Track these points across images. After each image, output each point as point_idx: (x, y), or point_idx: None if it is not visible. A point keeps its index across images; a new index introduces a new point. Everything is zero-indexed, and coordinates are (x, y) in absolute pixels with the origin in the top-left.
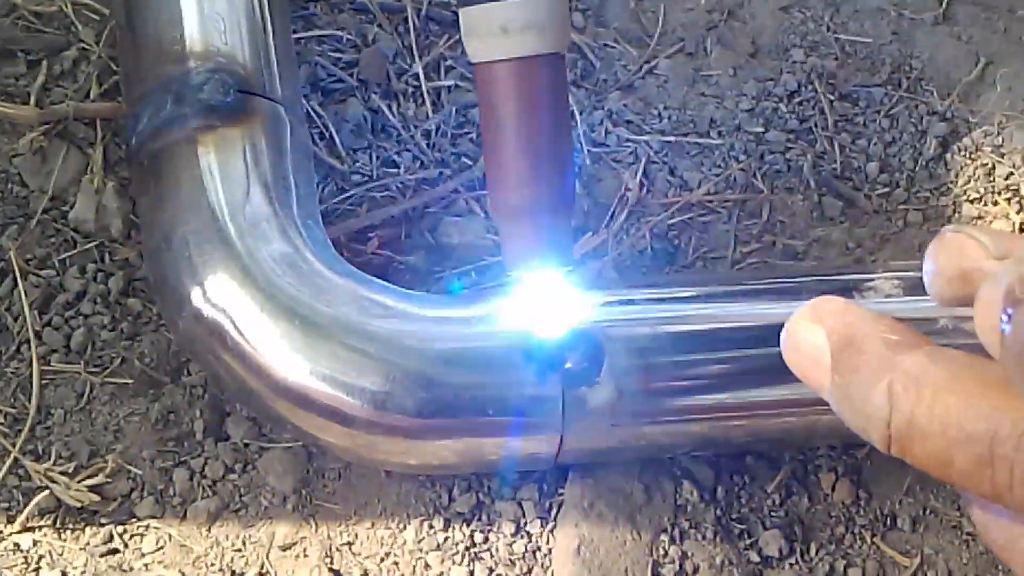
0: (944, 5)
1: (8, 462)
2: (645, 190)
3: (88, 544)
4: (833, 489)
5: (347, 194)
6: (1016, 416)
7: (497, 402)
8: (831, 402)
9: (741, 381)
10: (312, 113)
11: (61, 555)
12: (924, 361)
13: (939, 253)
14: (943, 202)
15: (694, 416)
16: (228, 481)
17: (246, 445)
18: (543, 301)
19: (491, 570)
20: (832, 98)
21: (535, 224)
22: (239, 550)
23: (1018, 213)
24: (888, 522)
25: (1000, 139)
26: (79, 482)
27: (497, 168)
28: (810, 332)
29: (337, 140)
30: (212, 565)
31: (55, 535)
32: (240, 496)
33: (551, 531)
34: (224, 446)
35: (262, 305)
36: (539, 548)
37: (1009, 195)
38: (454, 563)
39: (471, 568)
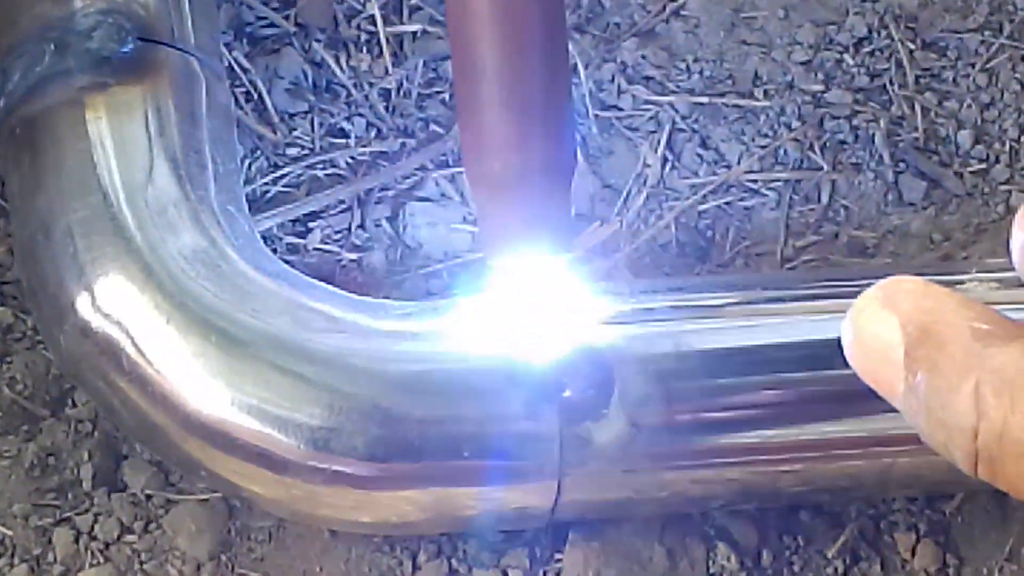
0: None
1: None
2: (669, 166)
3: None
4: (913, 553)
5: (281, 172)
6: None
7: (474, 441)
8: (904, 411)
9: (792, 414)
10: (236, 67)
11: None
12: (1021, 357)
13: None
14: None
15: (731, 459)
16: (125, 544)
17: (148, 497)
18: (534, 304)
19: None
20: (912, 47)
21: (523, 197)
22: None
23: None
24: None
25: None
26: None
27: (474, 128)
28: (879, 321)
29: (268, 102)
30: None
31: None
32: (141, 563)
33: None
34: (120, 498)
35: (169, 315)
36: None
37: None
38: None
39: None
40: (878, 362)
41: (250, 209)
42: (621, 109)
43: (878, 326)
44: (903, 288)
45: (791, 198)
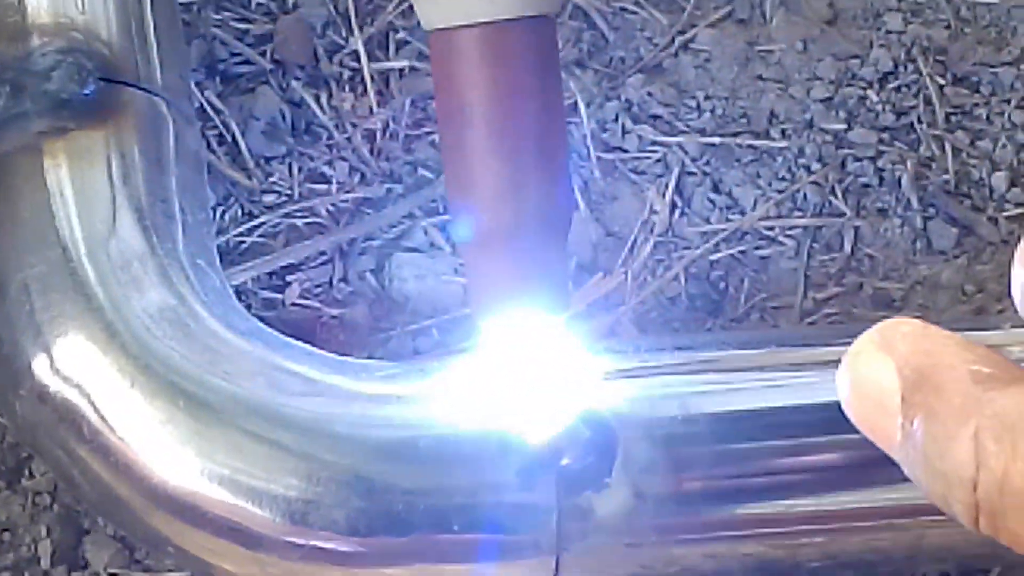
0: None
1: None
2: (678, 213)
3: None
4: None
5: (257, 221)
6: None
7: (465, 513)
8: (902, 463)
9: (812, 482)
10: (208, 108)
11: None
12: (1022, 400)
13: None
14: None
15: (745, 532)
16: None
17: None
18: (529, 366)
19: None
20: (942, 82)
21: (515, 253)
22: None
23: None
24: None
25: None
26: None
27: (461, 177)
28: (876, 366)
29: (243, 145)
30: None
31: None
32: None
33: None
34: None
35: (133, 379)
36: None
37: None
38: None
39: None
40: (874, 409)
41: (223, 262)
42: (626, 151)
43: (874, 371)
44: (900, 331)
45: (811, 247)
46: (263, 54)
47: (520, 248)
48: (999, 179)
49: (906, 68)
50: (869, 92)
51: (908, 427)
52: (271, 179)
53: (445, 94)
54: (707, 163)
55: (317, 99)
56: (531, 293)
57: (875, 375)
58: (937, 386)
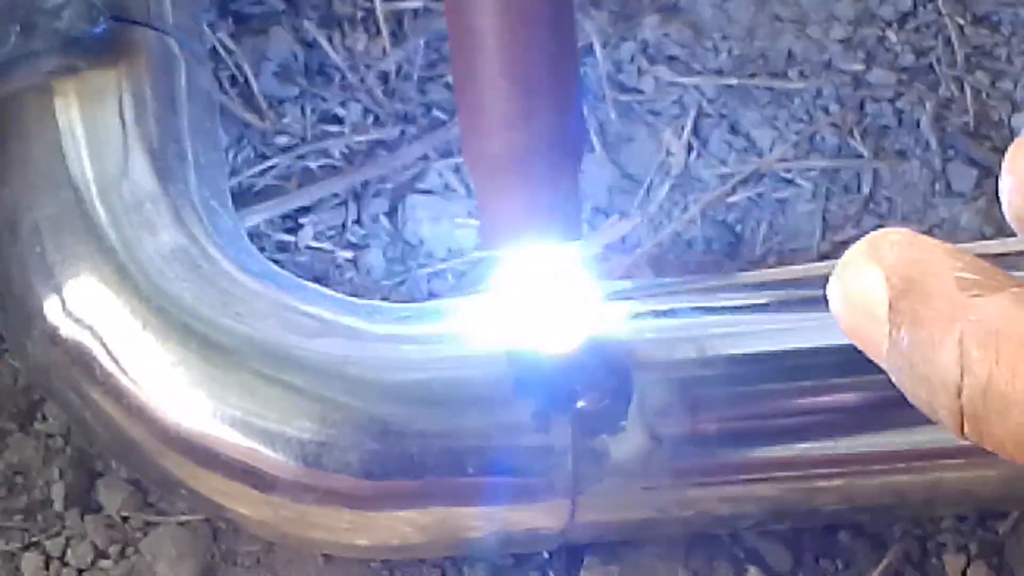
0: None
1: None
2: (695, 155)
3: None
4: None
5: (269, 163)
6: None
7: (479, 455)
8: (890, 371)
9: (830, 424)
10: (220, 48)
11: None
12: (1008, 306)
13: (1016, 158)
14: None
15: (762, 474)
16: (99, 570)
17: (125, 519)
18: (543, 306)
19: None
20: (962, 22)
21: (526, 180)
22: None
23: None
24: None
25: None
26: None
27: (473, 105)
28: (864, 275)
29: (255, 86)
30: None
31: None
32: None
33: None
34: (94, 520)
35: (145, 320)
36: None
37: None
38: None
39: None
40: (863, 318)
41: (236, 203)
42: (642, 92)
43: (863, 280)
44: (889, 240)
45: (828, 189)
46: None
47: (532, 174)
48: (1019, 120)
49: (925, 7)
50: (888, 32)
51: (895, 334)
52: (284, 120)
53: (456, 20)
54: (724, 104)
55: (330, 40)
56: (543, 219)
57: (864, 284)
58: (923, 293)
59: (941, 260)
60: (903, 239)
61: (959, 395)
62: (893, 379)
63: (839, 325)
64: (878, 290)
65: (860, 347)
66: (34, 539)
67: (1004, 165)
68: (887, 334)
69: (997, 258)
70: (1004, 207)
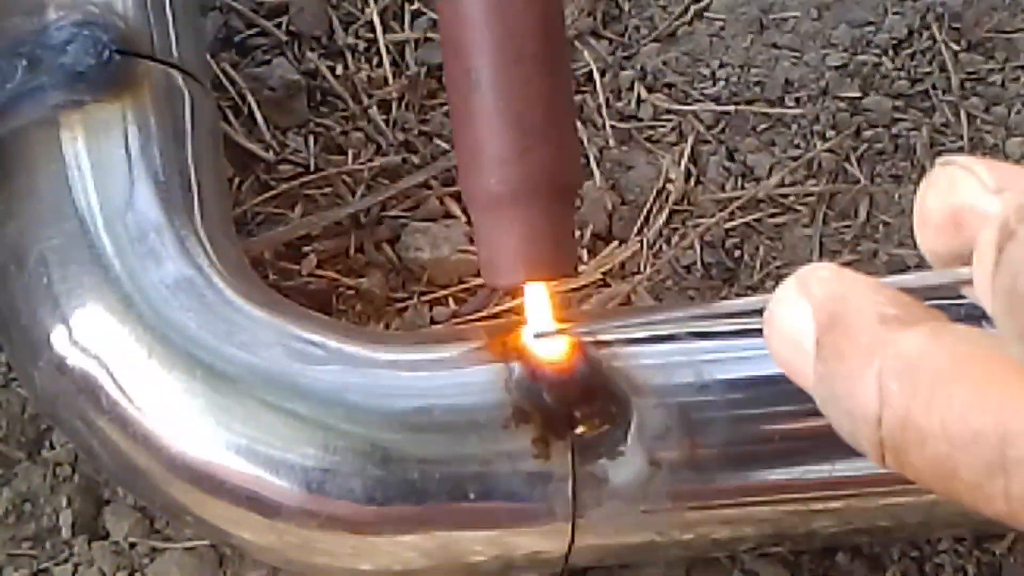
0: None
1: None
2: (693, 181)
3: None
4: None
5: (273, 192)
6: None
7: (480, 481)
8: (818, 402)
9: (827, 447)
10: (223, 78)
11: None
12: (924, 340)
13: (927, 193)
14: None
15: (760, 497)
16: None
17: (132, 545)
18: (542, 333)
19: None
20: (957, 48)
21: (523, 218)
22: None
23: None
24: None
25: None
26: None
27: (469, 142)
28: (793, 310)
29: (259, 117)
30: None
31: None
32: None
33: None
34: (101, 547)
35: (151, 349)
36: None
37: None
38: None
39: None
40: (792, 351)
41: (239, 232)
42: (641, 119)
43: (792, 315)
44: (817, 275)
45: (825, 214)
46: (279, 26)
47: (528, 210)
48: (1014, 145)
49: (921, 35)
50: (884, 59)
51: (820, 368)
52: (287, 150)
53: (452, 60)
54: (722, 131)
55: (332, 70)
56: (540, 254)
57: (792, 319)
58: (846, 328)
59: (864, 295)
60: (830, 274)
61: (879, 427)
62: (821, 409)
63: (771, 355)
64: (805, 324)
65: (792, 379)
66: (43, 566)
67: (918, 203)
68: (814, 367)
69: (917, 291)
70: (919, 242)
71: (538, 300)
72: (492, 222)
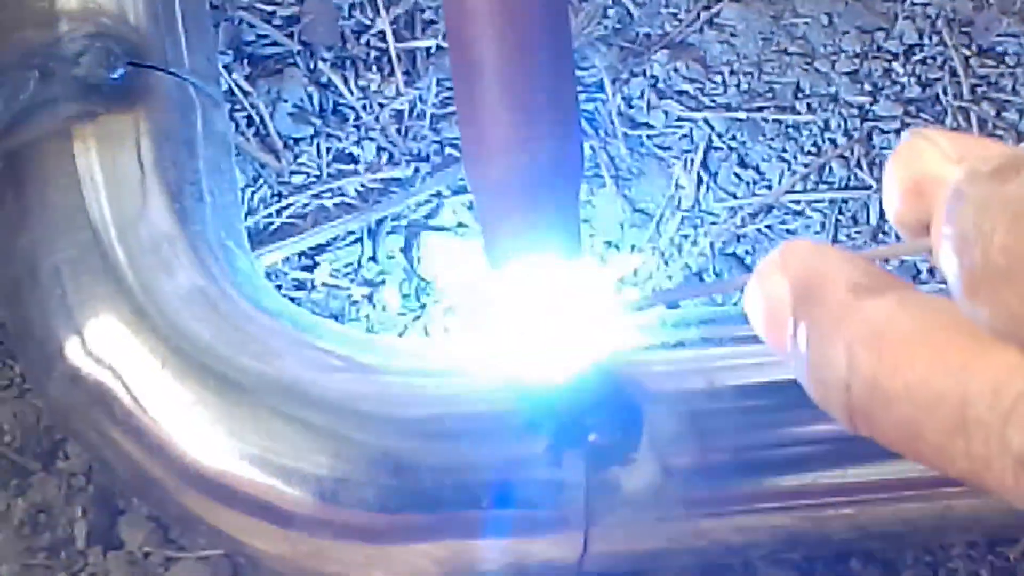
0: None
1: None
2: (705, 188)
3: None
4: None
5: (285, 202)
6: (992, 365)
7: (493, 489)
8: (793, 371)
9: (840, 453)
10: (235, 90)
11: None
12: (891, 308)
13: (893, 164)
14: None
15: (773, 503)
16: None
17: (146, 555)
18: (555, 340)
19: None
20: (967, 53)
21: (527, 205)
22: None
23: None
24: None
25: None
26: None
27: (474, 130)
28: (773, 283)
29: (271, 127)
30: None
31: None
32: None
33: None
34: (116, 557)
35: (164, 360)
36: None
37: None
38: None
39: None
40: (771, 322)
41: (252, 243)
42: (652, 127)
43: (771, 288)
44: (795, 250)
45: (837, 220)
46: (290, 36)
47: (533, 196)
48: None
49: (931, 40)
50: (894, 64)
51: (795, 337)
52: (299, 160)
53: (458, 51)
54: (733, 138)
55: (344, 80)
56: (544, 236)
57: (772, 291)
58: (819, 298)
59: (837, 267)
60: (807, 249)
61: (849, 392)
62: (796, 377)
63: (752, 327)
64: (783, 296)
65: (774, 351)
66: None
67: (885, 175)
68: (789, 336)
69: (888, 262)
70: (888, 214)
71: (553, 288)
72: (497, 207)
